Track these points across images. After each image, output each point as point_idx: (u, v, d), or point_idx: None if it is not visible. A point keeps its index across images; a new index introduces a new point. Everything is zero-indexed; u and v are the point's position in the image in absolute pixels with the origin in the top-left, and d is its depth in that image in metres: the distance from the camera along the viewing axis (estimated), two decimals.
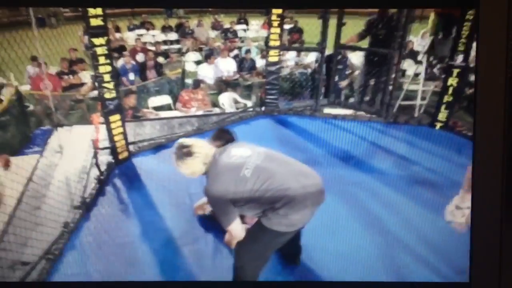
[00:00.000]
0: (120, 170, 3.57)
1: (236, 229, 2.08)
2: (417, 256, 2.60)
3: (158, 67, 5.66)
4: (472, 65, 4.34)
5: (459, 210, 2.26)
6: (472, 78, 4.57)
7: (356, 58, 5.73)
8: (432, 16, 4.25)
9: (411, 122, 4.34)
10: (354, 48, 4.85)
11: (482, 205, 2.06)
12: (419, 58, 4.49)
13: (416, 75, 4.50)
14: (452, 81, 3.94)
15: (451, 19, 4.03)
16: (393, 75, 4.18)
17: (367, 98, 4.82)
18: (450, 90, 4.00)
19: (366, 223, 2.86)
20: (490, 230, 2.07)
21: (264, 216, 2.05)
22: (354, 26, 4.66)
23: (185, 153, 2.09)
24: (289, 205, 1.98)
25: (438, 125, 4.18)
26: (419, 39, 5.37)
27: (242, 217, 2.35)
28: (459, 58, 3.90)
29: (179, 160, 2.11)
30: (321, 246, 2.63)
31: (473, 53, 4.01)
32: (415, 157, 3.67)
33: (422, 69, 4.42)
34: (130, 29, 7.04)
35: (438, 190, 3.21)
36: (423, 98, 4.46)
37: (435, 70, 4.38)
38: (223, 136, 2.50)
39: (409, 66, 4.84)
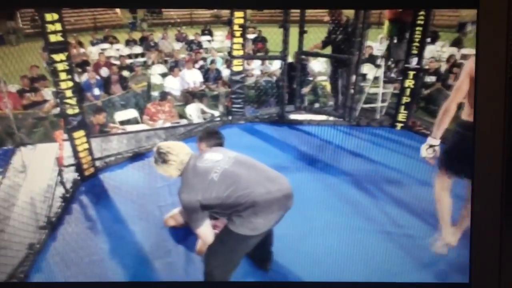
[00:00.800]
0: (86, 187, 3.51)
1: (205, 233, 2.15)
2: (390, 255, 2.69)
3: (123, 81, 5.61)
4: (426, 67, 4.57)
5: (430, 148, 2.55)
6: (427, 79, 4.80)
7: (319, 65, 5.89)
8: (386, 22, 4.45)
9: (373, 124, 4.50)
10: (316, 55, 4.99)
11: (482, 205, 2.09)
12: (378, 62, 4.66)
13: (376, 78, 4.66)
14: (409, 83, 4.12)
15: (404, 25, 4.23)
16: (354, 79, 4.32)
17: (331, 103, 4.96)
18: (408, 92, 4.18)
19: (338, 224, 2.94)
20: (490, 230, 2.09)
21: (229, 220, 2.10)
22: (315, 33, 4.81)
23: (161, 158, 2.18)
24: (252, 209, 2.04)
25: (399, 125, 4.34)
26: (378, 44, 5.59)
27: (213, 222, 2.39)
28: (414, 61, 4.09)
29: (156, 164, 2.21)
30: (294, 250, 2.68)
31: (427, 55, 4.22)
32: (380, 158, 3.80)
33: (381, 72, 4.60)
34: (93, 44, 6.94)
35: (404, 187, 3.34)
36: (383, 100, 4.63)
37: (393, 73, 4.57)
38: (211, 137, 2.58)
39: (369, 70, 5.01)
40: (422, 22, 3.92)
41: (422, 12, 3.86)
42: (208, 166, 2.13)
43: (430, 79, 5.00)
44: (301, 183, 3.34)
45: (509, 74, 2.02)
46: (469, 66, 2.35)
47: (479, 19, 2.01)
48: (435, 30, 5.30)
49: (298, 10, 4.31)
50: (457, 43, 5.84)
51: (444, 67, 5.23)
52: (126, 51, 6.80)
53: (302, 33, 4.49)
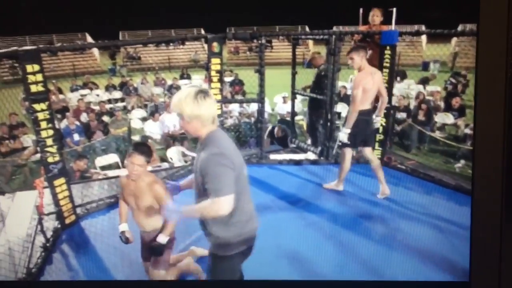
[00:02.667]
0: (67, 235, 3.47)
1: (229, 202, 1.97)
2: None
3: (103, 126, 5.65)
4: (396, 104, 4.82)
5: (346, 134, 3.76)
6: (397, 115, 5.04)
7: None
8: None
9: None
10: (304, 94, 5.20)
11: (482, 205, 2.09)
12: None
13: None
14: (381, 120, 4.30)
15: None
16: (329, 118, 4.51)
17: (309, 142, 5.12)
18: (381, 129, 4.37)
19: (321, 261, 2.98)
20: (490, 230, 2.09)
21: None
22: (304, 74, 5.13)
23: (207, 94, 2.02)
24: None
25: None
26: (350, 84, 5.86)
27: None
28: None
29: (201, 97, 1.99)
30: None
31: (396, 93, 4.46)
32: (359, 194, 3.92)
33: None
34: (72, 90, 7.00)
35: (384, 223, 3.43)
36: None
37: None
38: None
39: (343, 109, 5.22)
40: (388, 64, 4.18)
41: (387, 56, 4.13)
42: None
43: (401, 115, 5.24)
44: (283, 222, 3.40)
45: (509, 74, 2.03)
46: (357, 79, 3.73)
47: (479, 19, 2.02)
48: (403, 69, 5.63)
49: (275, 54, 4.54)
50: (423, 81, 6.21)
51: (413, 103, 5.51)
52: (105, 96, 6.88)
53: (294, 74, 4.91)
